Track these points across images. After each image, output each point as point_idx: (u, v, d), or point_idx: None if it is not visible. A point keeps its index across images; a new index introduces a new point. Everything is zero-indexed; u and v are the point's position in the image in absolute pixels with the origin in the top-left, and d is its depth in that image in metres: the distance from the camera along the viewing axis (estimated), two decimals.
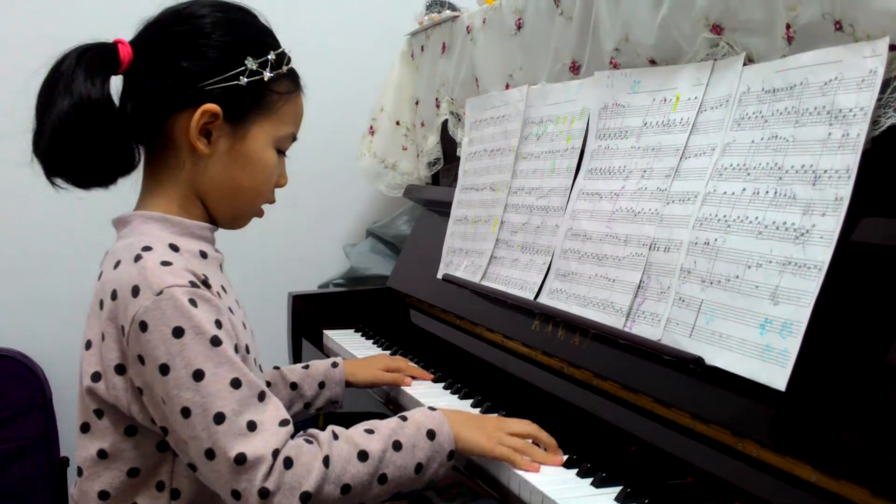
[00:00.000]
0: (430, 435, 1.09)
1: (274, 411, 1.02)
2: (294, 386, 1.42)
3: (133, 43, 1.08)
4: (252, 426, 0.98)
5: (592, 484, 1.08)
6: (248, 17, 1.14)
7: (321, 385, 1.44)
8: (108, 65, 1.05)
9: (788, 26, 1.09)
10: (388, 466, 1.05)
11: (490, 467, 1.18)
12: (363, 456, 1.04)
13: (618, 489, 1.04)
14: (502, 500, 1.13)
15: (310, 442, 1.03)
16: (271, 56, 1.11)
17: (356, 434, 1.06)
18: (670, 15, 1.28)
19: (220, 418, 0.97)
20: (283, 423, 1.02)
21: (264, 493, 0.97)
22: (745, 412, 1.04)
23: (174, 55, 1.07)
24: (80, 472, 1.09)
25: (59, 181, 1.07)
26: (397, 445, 1.06)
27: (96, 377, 1.04)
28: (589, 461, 1.12)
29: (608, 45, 1.44)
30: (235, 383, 0.99)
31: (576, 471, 1.11)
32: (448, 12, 2.09)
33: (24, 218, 2.31)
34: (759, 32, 1.16)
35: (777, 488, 0.97)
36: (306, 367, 1.46)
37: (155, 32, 1.09)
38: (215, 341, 0.99)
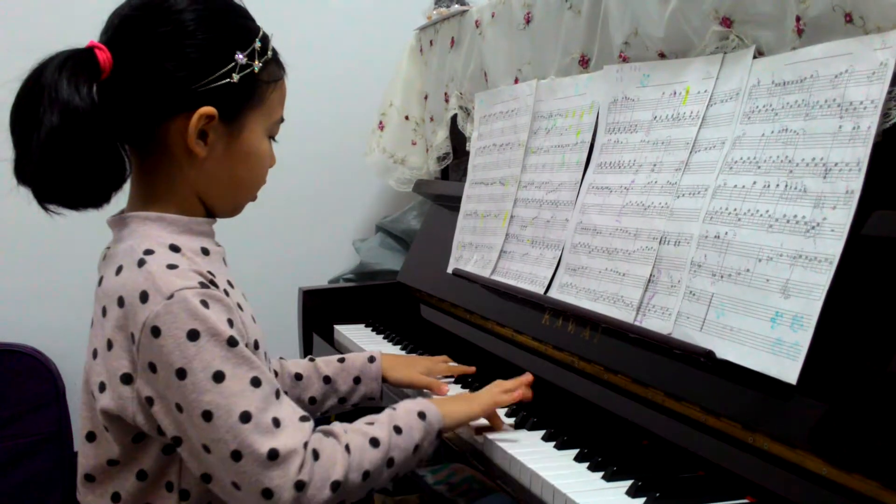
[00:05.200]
0: (421, 416, 1.13)
1: (290, 407, 1.02)
2: (328, 379, 1.38)
3: (110, 44, 1.01)
4: (277, 423, 0.98)
5: (604, 477, 1.08)
6: (225, 3, 1.08)
7: (356, 380, 1.40)
8: (90, 72, 0.99)
9: (798, 19, 1.09)
10: (394, 450, 1.08)
11: (503, 462, 1.18)
12: (375, 442, 1.06)
13: (629, 483, 1.04)
14: (514, 494, 1.14)
15: (326, 435, 1.04)
16: (257, 44, 1.06)
17: (361, 426, 1.09)
18: (680, 8, 1.27)
19: (246, 417, 0.96)
20: (304, 418, 1.02)
21: (300, 486, 0.97)
22: (756, 406, 1.04)
23: (159, 58, 1.01)
24: (88, 477, 1.07)
25: (52, 206, 1.02)
26: (398, 430, 1.10)
27: (102, 387, 1.02)
28: (600, 455, 1.12)
29: (617, 39, 1.44)
30: (255, 382, 0.98)
31: (587, 464, 1.12)
32: (457, 6, 2.09)
33: (34, 214, 2.31)
34: (769, 25, 1.16)
35: (788, 481, 0.97)
36: (342, 360, 1.42)
37: (134, 33, 1.02)
38: (231, 342, 0.98)
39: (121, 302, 1.00)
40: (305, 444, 0.99)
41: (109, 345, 1.01)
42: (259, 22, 1.11)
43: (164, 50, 1.01)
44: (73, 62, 0.98)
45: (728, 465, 1.06)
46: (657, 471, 1.09)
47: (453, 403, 1.22)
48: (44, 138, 0.95)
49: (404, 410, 1.14)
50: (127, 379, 1.00)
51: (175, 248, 1.04)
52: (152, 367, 0.97)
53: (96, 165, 1.00)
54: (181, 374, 0.96)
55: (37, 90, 0.97)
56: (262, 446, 0.96)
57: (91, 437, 1.07)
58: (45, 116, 0.95)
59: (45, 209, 1.02)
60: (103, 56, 1.00)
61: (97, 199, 1.03)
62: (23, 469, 2.29)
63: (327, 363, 1.40)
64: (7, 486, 2.28)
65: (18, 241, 2.35)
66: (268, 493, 0.96)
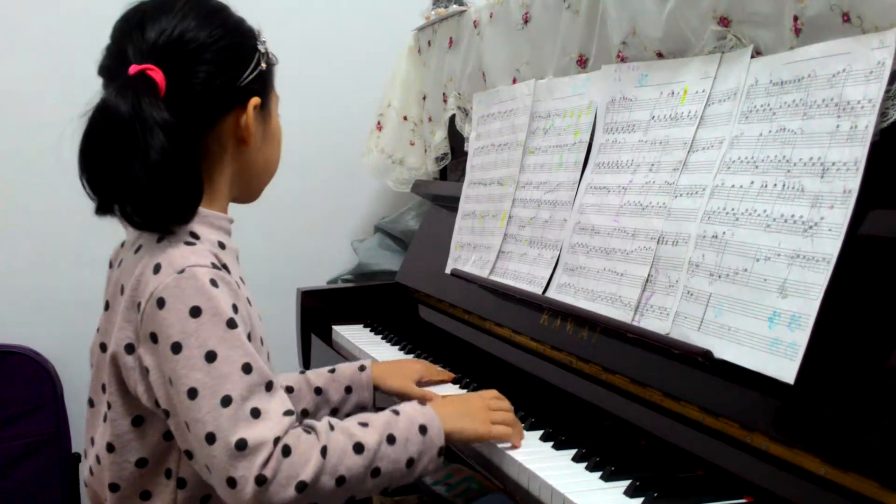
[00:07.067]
0: (423, 430, 1.08)
1: (279, 403, 1.01)
2: (319, 391, 1.38)
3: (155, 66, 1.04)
4: (256, 413, 0.97)
5: (602, 478, 1.08)
6: (221, 4, 1.13)
7: (348, 390, 1.40)
8: (156, 92, 1.01)
9: (796, 18, 1.09)
10: (382, 460, 1.04)
11: (501, 462, 1.18)
12: (359, 448, 1.02)
13: (627, 482, 1.04)
14: (512, 495, 1.14)
15: (307, 432, 1.02)
16: (258, 32, 1.14)
17: (352, 426, 1.05)
18: (678, 8, 1.27)
19: (226, 401, 0.96)
20: (288, 412, 1.01)
21: (261, 481, 0.95)
22: (753, 405, 1.04)
23: (202, 67, 1.05)
24: (98, 459, 1.09)
25: (155, 228, 1.03)
26: (391, 439, 1.05)
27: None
28: (598, 455, 1.12)
29: (615, 39, 1.44)
30: (247, 368, 0.99)
31: (585, 464, 1.12)
32: (455, 7, 2.09)
33: (34, 217, 2.32)
34: (766, 25, 1.16)
35: (786, 481, 0.97)
36: (332, 370, 1.42)
37: (170, 52, 1.04)
38: (231, 324, 0.99)
39: (133, 275, 1.03)
40: (277, 440, 0.97)
41: (117, 318, 1.04)
42: (258, 23, 1.16)
43: (205, 60, 1.06)
44: (141, 86, 1.00)
45: (726, 464, 1.06)
46: (655, 471, 1.09)
47: (463, 421, 1.15)
48: (157, 159, 0.98)
49: (407, 419, 1.08)
50: (130, 349, 1.03)
51: (194, 236, 1.07)
52: (153, 338, 0.99)
53: (198, 174, 1.04)
54: (176, 348, 0.97)
55: (120, 121, 0.98)
56: (232, 434, 0.95)
57: (105, 416, 1.08)
58: (152, 140, 0.98)
59: (167, 231, 1.04)
60: (158, 76, 1.02)
61: (195, 208, 1.05)
62: (21, 471, 2.29)
63: (317, 375, 1.41)
64: (5, 487, 2.28)
65: (16, 243, 2.35)
66: (232, 483, 0.95)
